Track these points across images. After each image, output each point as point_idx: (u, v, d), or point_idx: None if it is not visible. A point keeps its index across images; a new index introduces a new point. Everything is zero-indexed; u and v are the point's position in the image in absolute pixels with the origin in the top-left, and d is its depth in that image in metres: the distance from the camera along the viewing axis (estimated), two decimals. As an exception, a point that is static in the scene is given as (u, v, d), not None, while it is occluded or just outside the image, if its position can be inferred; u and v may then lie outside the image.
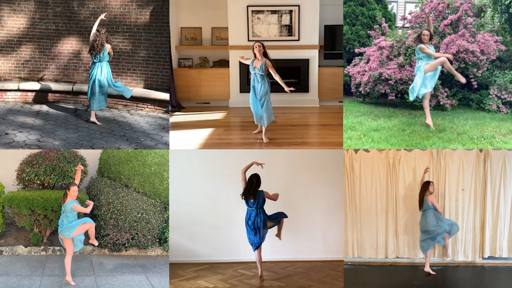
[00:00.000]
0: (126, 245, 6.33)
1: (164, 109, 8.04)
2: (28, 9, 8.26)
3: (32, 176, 6.40)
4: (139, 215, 6.26)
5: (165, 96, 8.04)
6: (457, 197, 6.44)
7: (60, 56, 8.33)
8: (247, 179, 5.81)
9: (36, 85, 8.16)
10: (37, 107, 7.93)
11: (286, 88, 6.55)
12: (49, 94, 8.20)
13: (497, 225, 6.45)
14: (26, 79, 8.37)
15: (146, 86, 8.37)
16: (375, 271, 6.35)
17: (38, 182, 6.45)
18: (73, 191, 5.37)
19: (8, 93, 8.11)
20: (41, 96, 8.18)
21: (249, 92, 6.85)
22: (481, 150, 6.43)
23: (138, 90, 8.22)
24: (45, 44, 8.34)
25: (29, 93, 8.15)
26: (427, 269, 6.10)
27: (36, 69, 8.46)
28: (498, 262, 6.46)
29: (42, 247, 6.22)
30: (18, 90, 8.11)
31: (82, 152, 6.85)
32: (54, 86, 8.21)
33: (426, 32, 6.74)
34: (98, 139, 6.75)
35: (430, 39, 6.77)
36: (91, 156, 7.11)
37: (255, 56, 6.58)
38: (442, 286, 5.87)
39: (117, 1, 8.22)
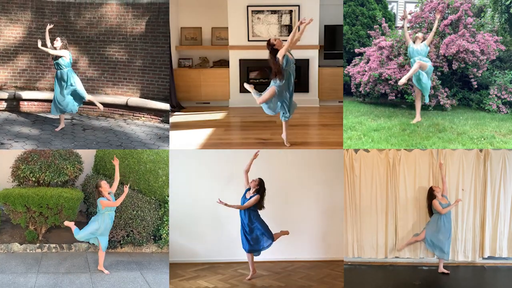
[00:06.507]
0: (121, 242, 6.31)
1: (161, 119, 7.95)
2: (24, 18, 8.22)
3: (27, 173, 6.35)
4: (134, 212, 6.23)
5: (162, 105, 7.94)
6: (457, 197, 6.39)
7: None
8: (250, 182, 5.76)
9: (32, 94, 8.07)
10: (33, 116, 7.83)
11: None
12: (46, 104, 8.03)
13: (497, 225, 6.41)
14: (22, 88, 8.31)
15: (143, 96, 8.29)
16: (375, 271, 6.31)
17: (34, 179, 6.40)
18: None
19: (4, 102, 7.97)
20: (37, 105, 8.08)
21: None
22: (481, 150, 6.39)
23: (135, 99, 8.14)
24: (42, 53, 8.18)
25: (26, 102, 8.03)
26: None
27: (33, 79, 8.41)
28: (498, 262, 6.42)
29: (38, 244, 6.16)
30: (14, 99, 8.01)
31: (78, 149, 6.81)
32: (50, 95, 7.81)
33: (420, 34, 7.03)
34: (95, 149, 6.75)
35: (423, 41, 7.01)
36: (87, 153, 7.07)
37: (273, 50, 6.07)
38: (442, 286, 5.82)
39: (113, 11, 8.19)
